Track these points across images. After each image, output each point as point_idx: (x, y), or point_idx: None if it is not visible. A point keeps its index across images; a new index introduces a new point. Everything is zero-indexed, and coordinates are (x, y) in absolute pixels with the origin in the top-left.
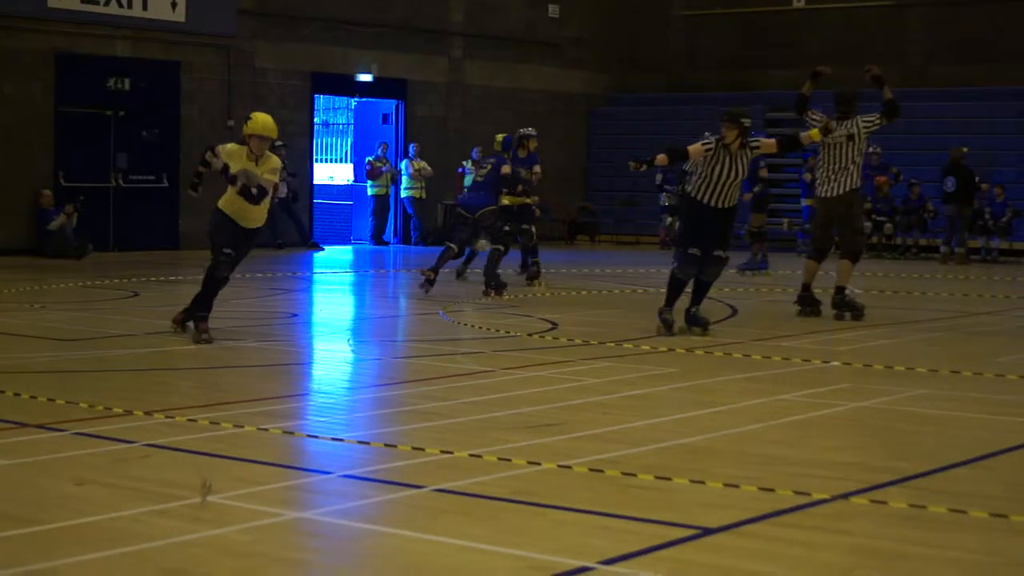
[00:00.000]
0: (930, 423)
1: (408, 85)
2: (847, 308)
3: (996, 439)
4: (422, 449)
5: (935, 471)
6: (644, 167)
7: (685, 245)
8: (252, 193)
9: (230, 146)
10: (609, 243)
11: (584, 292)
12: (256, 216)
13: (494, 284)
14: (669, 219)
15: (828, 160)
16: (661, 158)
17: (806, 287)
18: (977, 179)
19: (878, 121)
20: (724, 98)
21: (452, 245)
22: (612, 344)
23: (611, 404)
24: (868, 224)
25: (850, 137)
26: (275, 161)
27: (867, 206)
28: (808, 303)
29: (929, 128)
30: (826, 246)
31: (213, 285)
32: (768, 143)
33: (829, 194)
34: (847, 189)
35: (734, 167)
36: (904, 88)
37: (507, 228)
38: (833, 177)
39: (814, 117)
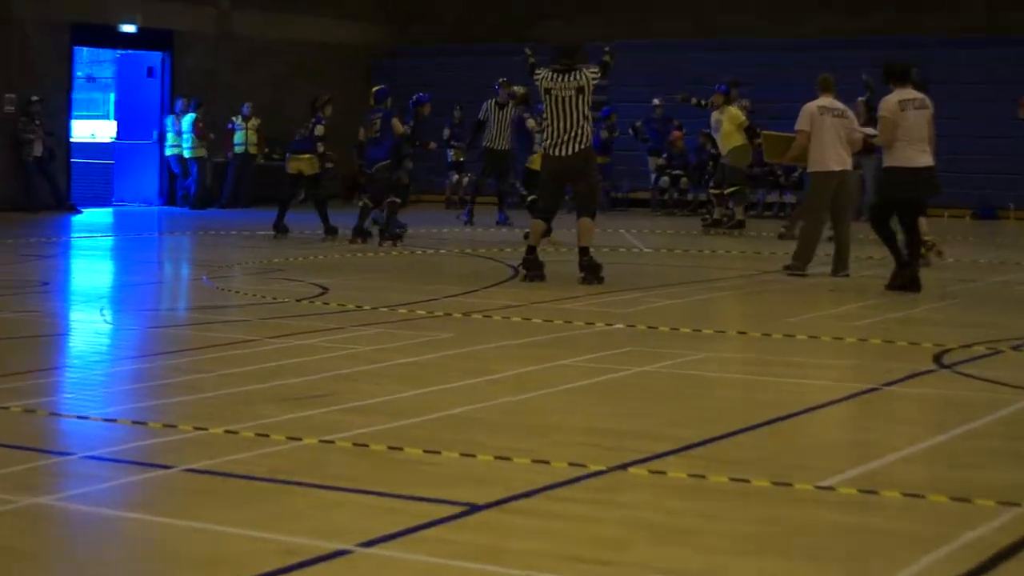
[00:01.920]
0: (715, 387)
1: (174, 36)
2: (594, 271)
3: (782, 403)
4: (174, 426)
5: (718, 438)
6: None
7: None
8: None
9: None
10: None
11: (359, 255)
12: None
13: (390, 234)
14: (456, 176)
15: (558, 115)
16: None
17: (531, 249)
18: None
19: (599, 73)
20: (511, 49)
21: (366, 201)
22: (385, 309)
23: (380, 373)
24: (664, 179)
25: (579, 90)
26: None
27: (659, 161)
28: (533, 266)
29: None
30: (556, 205)
31: None
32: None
33: (563, 152)
34: (582, 146)
35: None
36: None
37: (402, 179)
38: (565, 133)
39: (537, 75)
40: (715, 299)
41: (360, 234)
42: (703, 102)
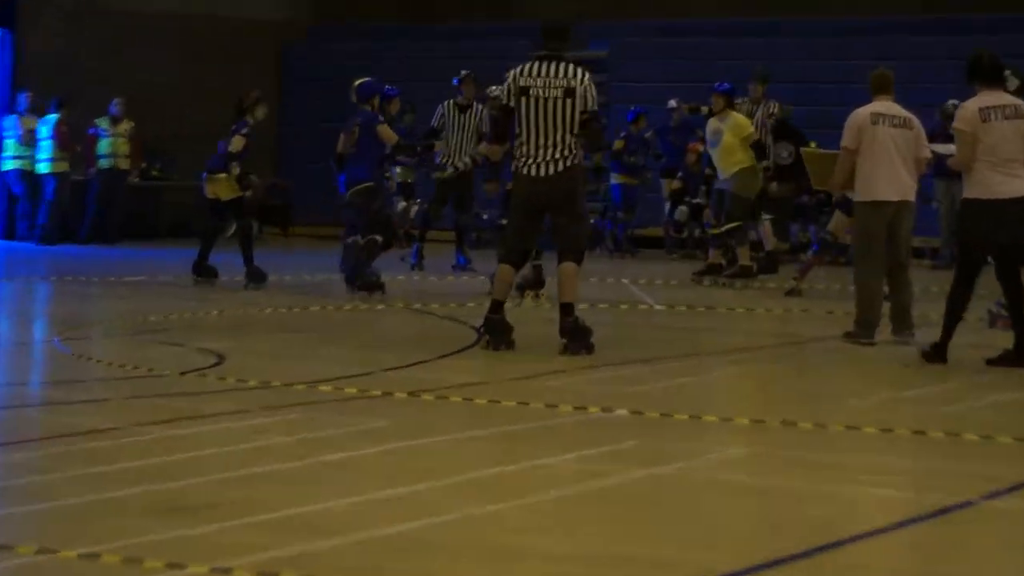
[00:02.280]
0: (749, 497)
1: (17, 8)
2: (580, 336)
3: (836, 522)
4: (10, 547)
5: (751, 570)
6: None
7: None
8: None
9: None
10: (307, 236)
11: (267, 309)
12: None
13: (363, 282)
14: (402, 203)
15: (537, 121)
16: None
17: (496, 306)
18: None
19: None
20: (477, 30)
21: (355, 239)
22: (302, 387)
23: (296, 475)
24: (681, 209)
25: (569, 92)
26: None
27: (675, 185)
28: (497, 329)
29: None
30: (529, 244)
31: None
32: None
33: (542, 172)
34: (569, 164)
35: None
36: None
37: (388, 212)
38: (545, 148)
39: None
40: (748, 374)
41: (368, 286)
42: (703, 108)
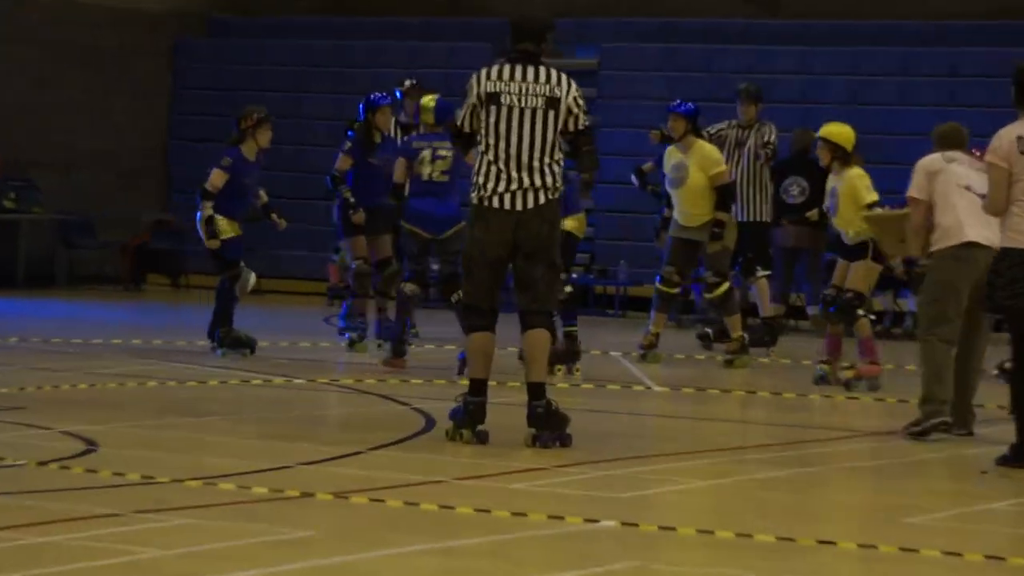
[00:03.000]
0: None
1: None
2: (553, 424)
3: None
4: None
5: None
6: None
7: None
8: None
9: None
10: (203, 288)
11: (150, 382)
12: None
13: (398, 347)
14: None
15: (508, 137)
16: None
17: (478, 386)
18: None
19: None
20: (413, 25)
21: (411, 285)
22: (196, 483)
23: None
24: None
25: (552, 103)
26: None
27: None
28: (472, 414)
29: None
30: (493, 298)
31: None
32: None
33: (513, 204)
34: (548, 197)
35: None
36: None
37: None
38: (517, 171)
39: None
40: (773, 480)
41: (399, 350)
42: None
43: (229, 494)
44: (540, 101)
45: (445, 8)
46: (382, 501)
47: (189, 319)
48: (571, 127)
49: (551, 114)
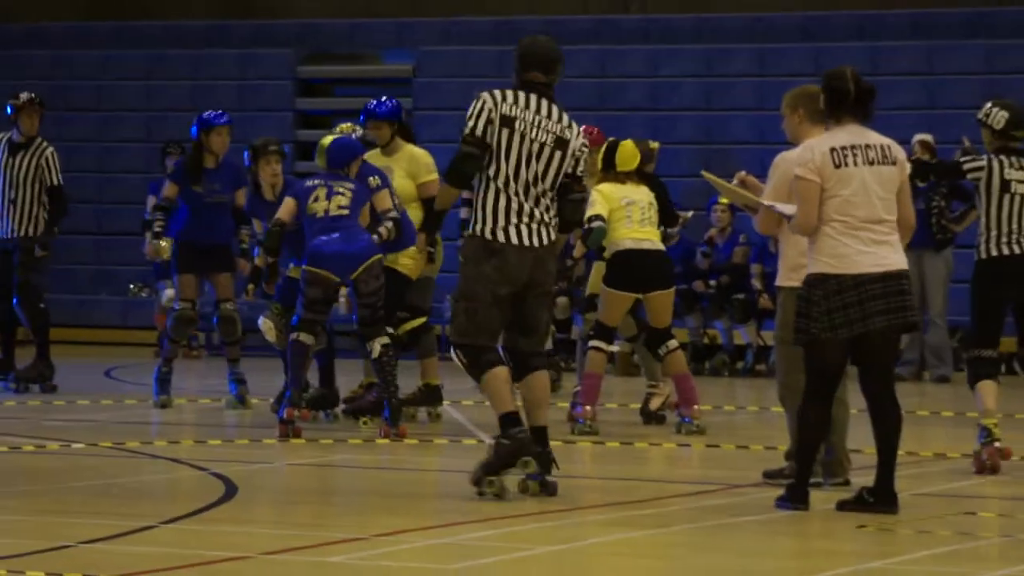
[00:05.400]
0: None
1: None
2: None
3: None
4: None
5: None
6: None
7: None
8: None
9: None
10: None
11: None
12: None
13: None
14: (167, 291)
15: (517, 167)
16: None
17: (511, 419)
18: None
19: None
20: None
21: (305, 334)
22: None
23: None
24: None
25: (561, 144)
26: None
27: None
28: (523, 452)
29: None
30: (497, 330)
31: None
32: None
33: (529, 240)
34: (554, 235)
35: None
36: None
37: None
38: (530, 206)
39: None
40: (709, 529)
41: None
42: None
43: None
44: (550, 138)
45: (238, 10)
46: None
47: None
48: (568, 171)
49: (558, 154)
